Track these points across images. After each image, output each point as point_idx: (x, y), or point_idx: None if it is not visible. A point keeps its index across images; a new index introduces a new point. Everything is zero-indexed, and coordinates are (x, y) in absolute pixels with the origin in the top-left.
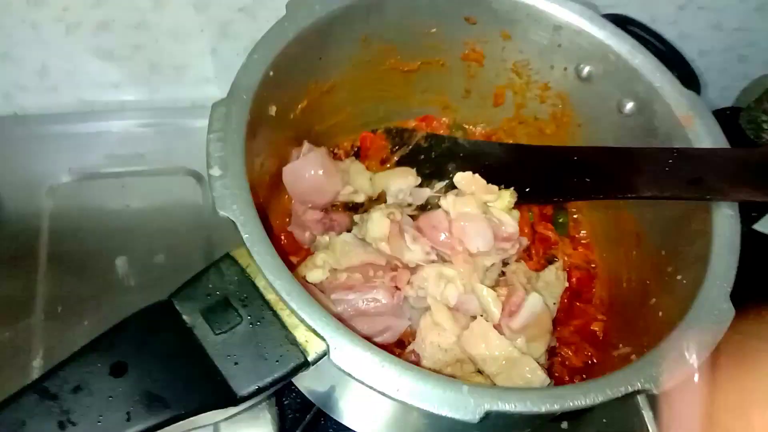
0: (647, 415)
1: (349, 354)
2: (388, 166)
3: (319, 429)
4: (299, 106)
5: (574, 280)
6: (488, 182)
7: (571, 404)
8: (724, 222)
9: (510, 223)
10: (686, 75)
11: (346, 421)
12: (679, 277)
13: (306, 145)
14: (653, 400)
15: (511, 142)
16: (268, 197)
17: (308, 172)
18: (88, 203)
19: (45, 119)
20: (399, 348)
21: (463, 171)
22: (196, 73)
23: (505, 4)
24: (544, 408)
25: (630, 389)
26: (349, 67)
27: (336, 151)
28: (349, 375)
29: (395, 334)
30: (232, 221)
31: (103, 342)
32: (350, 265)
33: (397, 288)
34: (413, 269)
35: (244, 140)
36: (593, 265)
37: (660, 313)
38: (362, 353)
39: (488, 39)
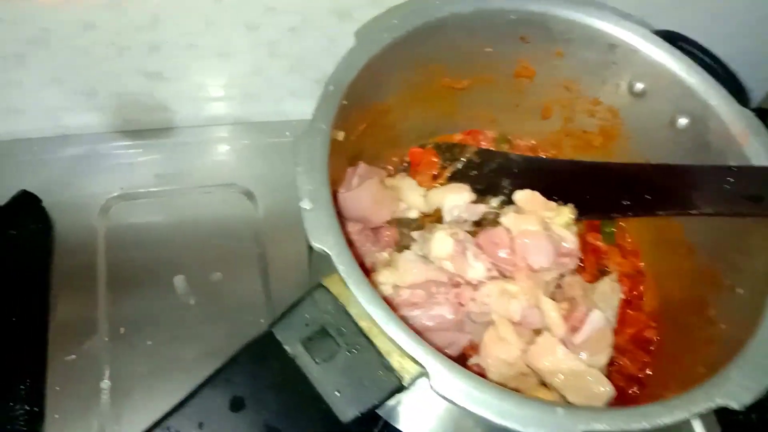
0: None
1: (446, 379)
2: (440, 181)
3: None
4: (360, 129)
5: (626, 288)
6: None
7: (659, 422)
8: None
9: (570, 239)
10: (735, 91)
11: (409, 430)
12: (739, 291)
13: (362, 166)
14: None
15: (556, 154)
16: None
17: (362, 201)
18: (141, 222)
19: (93, 138)
20: (460, 362)
21: (518, 187)
22: (243, 91)
23: (560, 23)
24: (634, 426)
25: (712, 405)
26: (405, 88)
27: (386, 167)
28: (450, 401)
29: (458, 348)
30: (327, 253)
31: (219, 377)
32: (414, 282)
33: (460, 304)
34: (475, 285)
35: (328, 171)
36: (642, 274)
37: (722, 326)
38: (460, 379)
39: (541, 57)
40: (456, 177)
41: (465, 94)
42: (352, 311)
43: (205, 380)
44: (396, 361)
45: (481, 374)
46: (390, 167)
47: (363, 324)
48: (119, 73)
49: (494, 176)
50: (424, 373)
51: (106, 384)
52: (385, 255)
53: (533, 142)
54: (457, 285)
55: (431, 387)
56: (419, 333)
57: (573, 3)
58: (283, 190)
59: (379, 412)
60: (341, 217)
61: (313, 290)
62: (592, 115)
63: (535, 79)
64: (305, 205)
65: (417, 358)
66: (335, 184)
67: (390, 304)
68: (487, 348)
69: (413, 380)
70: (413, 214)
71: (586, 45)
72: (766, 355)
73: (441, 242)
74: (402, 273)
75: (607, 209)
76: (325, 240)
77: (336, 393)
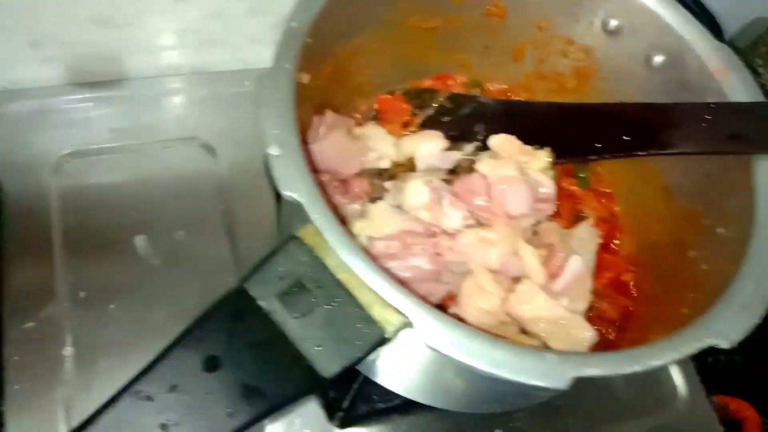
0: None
1: (432, 328)
2: (411, 129)
3: (363, 397)
4: (324, 72)
5: (601, 233)
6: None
7: (650, 364)
8: (767, 173)
9: (548, 183)
10: (711, 27)
11: (397, 388)
12: (720, 231)
13: (328, 114)
14: None
15: (529, 97)
16: None
17: (330, 152)
18: (96, 180)
19: (41, 93)
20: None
21: (492, 132)
22: (200, 38)
23: None
24: (627, 370)
25: (702, 345)
26: (372, 28)
27: (354, 115)
28: (436, 350)
29: (436, 298)
30: (299, 202)
31: (191, 337)
32: (389, 233)
33: (437, 254)
34: (452, 234)
35: (295, 115)
36: (618, 218)
37: (703, 266)
38: (444, 326)
39: None
40: (428, 124)
41: (434, 35)
42: (330, 263)
43: (175, 340)
44: (378, 312)
45: None
46: (358, 116)
47: (341, 276)
48: (66, 21)
49: (467, 122)
50: (407, 324)
51: (68, 351)
52: (357, 207)
53: (505, 86)
54: (433, 235)
55: (419, 338)
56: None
57: None
58: (245, 142)
59: (359, 367)
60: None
61: (286, 242)
62: (565, 56)
63: (507, 18)
64: (273, 151)
65: (400, 309)
66: (302, 133)
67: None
68: (466, 298)
69: (397, 332)
70: (385, 164)
71: None
72: (751, 292)
73: (416, 191)
74: (376, 224)
75: (585, 151)
76: (297, 188)
77: (316, 348)
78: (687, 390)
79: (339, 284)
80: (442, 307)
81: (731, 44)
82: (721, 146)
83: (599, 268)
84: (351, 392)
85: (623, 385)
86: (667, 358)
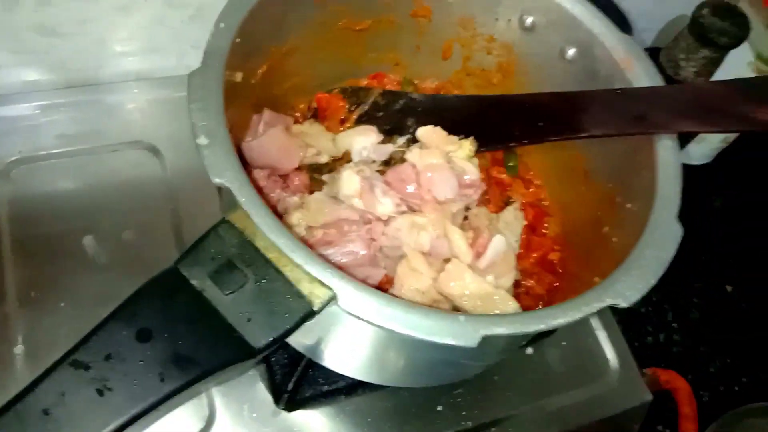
0: (601, 334)
1: (355, 298)
2: (348, 125)
3: (309, 379)
4: (260, 71)
5: (530, 217)
6: (448, 133)
7: (554, 322)
8: (667, 153)
9: (472, 170)
10: (618, 21)
11: (337, 367)
12: (628, 206)
13: (266, 113)
14: (606, 322)
15: (460, 93)
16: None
17: (268, 149)
18: (44, 185)
19: None
20: None
21: (423, 125)
22: (144, 45)
23: None
24: (532, 328)
25: (602, 305)
26: (305, 29)
27: (294, 114)
28: (358, 317)
29: (374, 282)
30: (228, 187)
31: (124, 312)
32: (326, 222)
33: (372, 239)
34: (386, 221)
35: (223, 108)
36: (545, 202)
37: (614, 239)
38: (367, 296)
39: None
40: (363, 120)
41: (367, 36)
42: (259, 244)
43: (110, 314)
44: (305, 287)
45: None
46: (298, 114)
47: (271, 255)
48: (11, 30)
49: (399, 116)
50: (333, 297)
51: (20, 349)
52: (296, 199)
53: (437, 83)
54: (368, 222)
55: (339, 306)
56: None
57: None
58: (190, 145)
59: (303, 350)
60: (249, 166)
61: (217, 225)
62: (489, 53)
63: (433, 19)
64: (201, 141)
65: (324, 281)
66: (241, 131)
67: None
68: (401, 279)
69: (324, 305)
70: (324, 159)
71: None
72: (649, 258)
73: (348, 180)
74: (313, 213)
75: (505, 139)
76: (225, 174)
77: (247, 321)
78: (618, 363)
79: (268, 263)
80: (380, 289)
81: (653, 47)
82: (626, 128)
83: (528, 249)
84: (295, 375)
85: (559, 360)
86: (569, 317)
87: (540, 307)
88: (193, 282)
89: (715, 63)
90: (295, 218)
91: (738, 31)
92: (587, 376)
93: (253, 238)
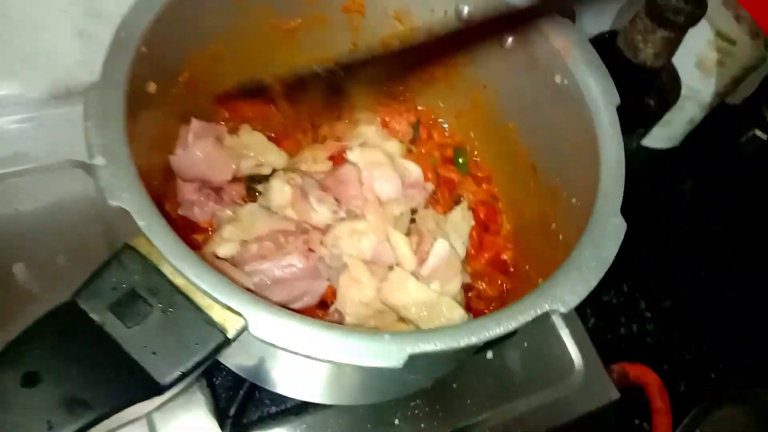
0: (564, 332)
1: (268, 324)
2: None
3: (255, 402)
4: (180, 80)
5: (481, 215)
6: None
7: (488, 335)
8: (610, 147)
9: (414, 169)
10: (560, 6)
11: (280, 389)
12: (573, 201)
13: (194, 123)
14: (570, 319)
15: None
16: (164, 180)
17: (196, 162)
18: None
19: None
20: (322, 309)
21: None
22: (66, 58)
23: None
24: (462, 343)
25: (539, 312)
26: (227, 33)
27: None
28: (273, 345)
29: (315, 296)
30: (126, 210)
31: (8, 355)
32: (260, 235)
33: (311, 250)
34: (324, 230)
35: (124, 124)
36: (497, 199)
37: (560, 236)
38: (281, 321)
39: None
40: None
41: (299, 36)
42: (165, 269)
43: None
44: (217, 314)
45: (340, 320)
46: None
47: (178, 281)
48: None
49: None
50: (246, 324)
51: None
52: (228, 212)
53: None
54: (305, 231)
55: (249, 332)
56: (271, 286)
57: None
58: None
59: (242, 374)
60: (179, 179)
61: (119, 252)
62: None
63: (366, 14)
64: (98, 161)
65: (235, 307)
66: (170, 144)
67: (237, 260)
68: (343, 291)
69: (239, 332)
70: (266, 170)
71: None
72: (588, 258)
73: (278, 190)
74: (246, 227)
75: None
76: (122, 196)
77: (152, 354)
78: (582, 362)
79: (176, 290)
80: (325, 304)
81: (612, 30)
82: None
83: (479, 249)
84: (237, 399)
85: (520, 362)
86: (505, 328)
87: (494, 310)
88: (93, 315)
89: (674, 43)
90: (227, 233)
91: (695, 9)
92: (551, 378)
93: (159, 264)
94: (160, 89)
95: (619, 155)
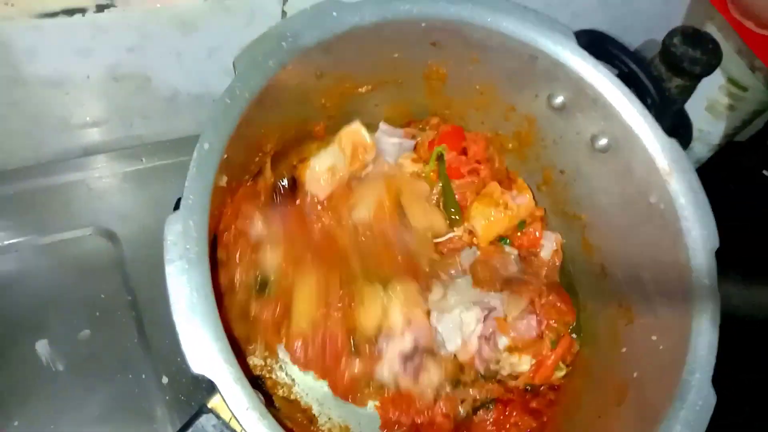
0: None
1: None
2: None
3: None
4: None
5: None
6: None
7: None
8: (706, 308)
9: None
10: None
11: None
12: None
13: None
14: None
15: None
16: None
17: None
18: None
19: None
20: None
21: None
22: (86, 121)
23: (477, 31)
24: None
25: None
26: (298, 104)
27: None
28: None
29: None
30: (212, 382)
31: None
32: None
33: None
34: None
35: (208, 265)
36: None
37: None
38: None
39: (455, 62)
40: None
41: (370, 95)
42: None
43: None
44: None
45: None
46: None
47: None
48: None
49: None
50: None
51: None
52: None
53: None
54: None
55: None
56: None
57: (491, 9)
58: (147, 223)
59: None
60: None
61: (199, 415)
62: (507, 120)
63: (448, 82)
64: (181, 321)
65: None
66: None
67: None
68: None
69: None
70: None
71: (505, 55)
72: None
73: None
74: None
75: None
76: (209, 367)
77: None
78: None
79: None
80: None
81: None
82: None
83: None
84: None
85: None
86: None
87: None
88: None
89: (689, 91)
90: None
91: (711, 59)
92: None
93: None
94: (230, 181)
95: (715, 314)
